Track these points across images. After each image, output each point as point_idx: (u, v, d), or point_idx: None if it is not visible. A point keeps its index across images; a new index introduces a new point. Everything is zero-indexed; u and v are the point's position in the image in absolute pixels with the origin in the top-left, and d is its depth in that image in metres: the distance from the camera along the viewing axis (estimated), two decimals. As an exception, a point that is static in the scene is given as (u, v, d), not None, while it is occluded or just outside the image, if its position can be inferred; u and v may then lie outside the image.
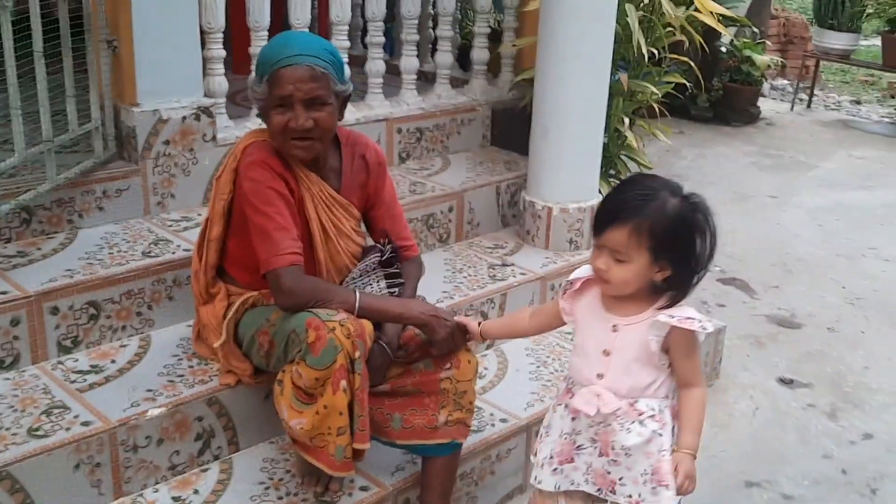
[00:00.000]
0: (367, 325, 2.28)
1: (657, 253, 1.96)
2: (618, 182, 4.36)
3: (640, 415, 2.04)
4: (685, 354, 2.06)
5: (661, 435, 2.04)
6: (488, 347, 3.33)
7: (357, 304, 2.33)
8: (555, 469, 2.13)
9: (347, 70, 2.49)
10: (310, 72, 2.30)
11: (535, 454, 2.20)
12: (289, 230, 2.32)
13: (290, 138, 2.33)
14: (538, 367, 3.24)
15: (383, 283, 2.55)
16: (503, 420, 2.90)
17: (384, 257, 2.56)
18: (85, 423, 2.34)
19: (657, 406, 2.06)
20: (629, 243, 1.95)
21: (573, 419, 2.12)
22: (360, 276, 2.53)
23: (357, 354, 2.21)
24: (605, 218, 1.99)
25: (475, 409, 2.57)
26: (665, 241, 1.95)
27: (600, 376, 2.07)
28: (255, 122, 3.40)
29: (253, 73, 2.50)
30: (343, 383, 2.19)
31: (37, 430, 2.31)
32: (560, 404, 2.17)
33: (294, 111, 2.30)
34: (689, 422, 2.07)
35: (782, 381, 3.75)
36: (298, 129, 2.31)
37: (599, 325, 2.08)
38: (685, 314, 2.01)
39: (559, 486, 2.14)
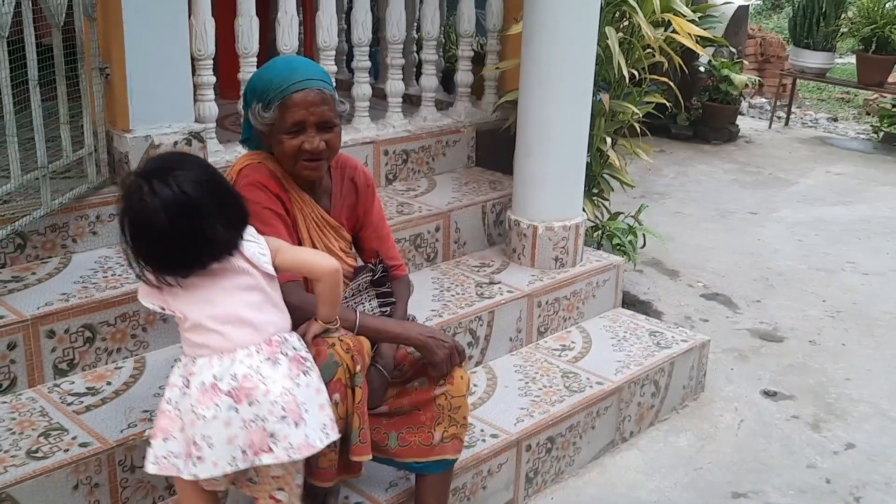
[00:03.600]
0: (365, 343, 2.34)
1: None
2: (602, 200, 4.44)
3: None
4: None
5: None
6: (477, 364, 3.39)
7: (357, 323, 2.38)
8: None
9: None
10: (320, 95, 2.35)
11: None
12: None
13: (301, 160, 2.39)
14: (527, 382, 3.29)
15: (375, 303, 2.60)
16: (493, 435, 2.95)
17: (375, 277, 2.61)
18: (83, 445, 2.38)
19: None
20: None
21: None
22: (353, 295, 2.58)
23: (357, 369, 2.26)
24: None
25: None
26: None
27: None
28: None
29: (242, 100, 2.55)
30: (336, 396, 2.23)
31: (35, 451, 2.34)
32: None
33: (307, 134, 2.36)
34: None
35: (766, 393, 3.82)
36: (313, 151, 2.37)
37: None
38: None
39: None
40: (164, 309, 2.08)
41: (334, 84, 2.48)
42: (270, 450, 2.00)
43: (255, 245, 2.12)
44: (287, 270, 2.22)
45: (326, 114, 2.37)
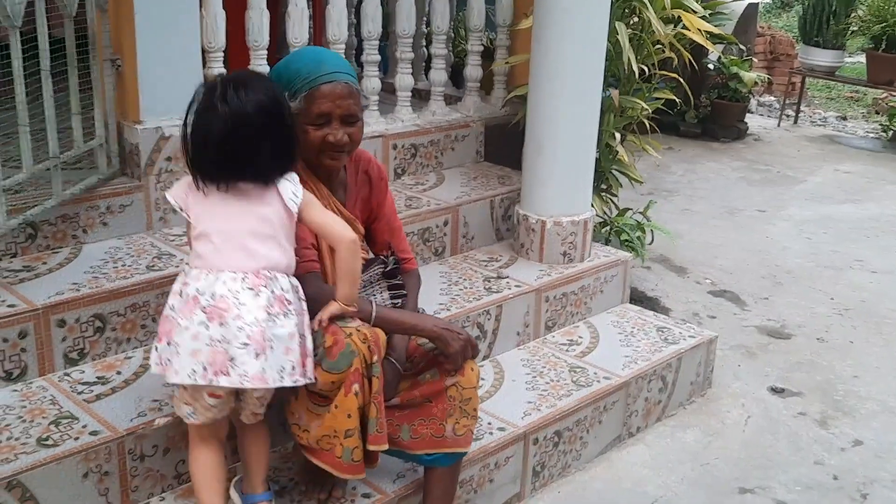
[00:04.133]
0: (381, 334, 2.35)
1: None
2: (610, 195, 4.44)
3: None
4: None
5: None
6: (484, 358, 3.39)
7: (373, 314, 2.39)
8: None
9: None
10: (347, 89, 2.37)
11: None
12: (304, 239, 2.38)
13: (325, 151, 2.40)
14: (534, 376, 3.30)
15: (387, 294, 2.61)
16: (501, 429, 2.95)
17: (387, 269, 2.62)
18: (93, 433, 2.39)
19: None
20: None
21: None
22: (364, 287, 2.58)
23: (374, 359, 2.27)
24: None
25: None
26: None
27: None
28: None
29: None
30: (355, 387, 2.24)
31: (46, 439, 2.35)
32: None
33: (331, 126, 2.37)
34: None
35: (773, 389, 3.81)
36: (337, 143, 2.39)
37: None
38: None
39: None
40: (182, 210, 2.20)
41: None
42: (228, 373, 2.10)
43: (290, 185, 2.23)
44: (309, 225, 2.29)
45: (352, 107, 2.39)
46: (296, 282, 2.24)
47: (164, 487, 2.52)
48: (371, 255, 2.70)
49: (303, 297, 2.24)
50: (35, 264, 2.88)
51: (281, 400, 2.38)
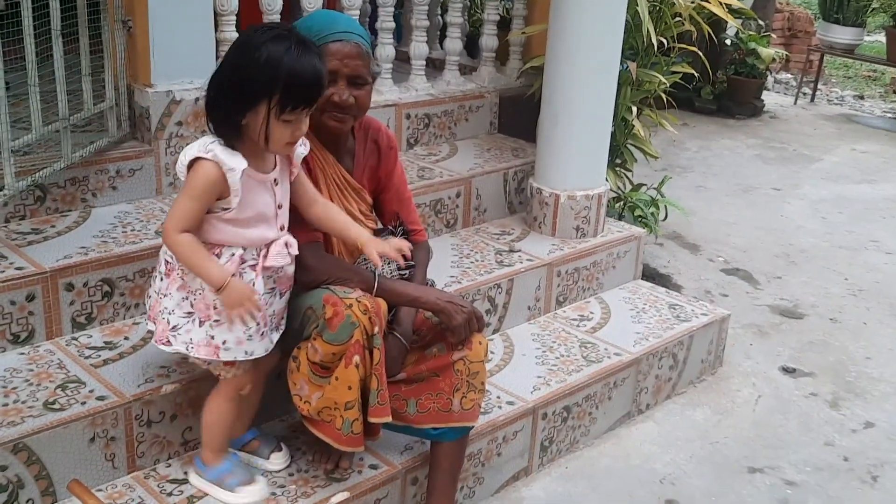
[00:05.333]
0: (382, 304, 2.31)
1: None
2: (625, 170, 4.39)
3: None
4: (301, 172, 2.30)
5: None
6: (495, 332, 3.36)
7: (376, 285, 2.36)
8: (262, 333, 2.25)
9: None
10: (357, 49, 2.34)
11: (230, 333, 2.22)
12: None
13: (329, 111, 2.36)
14: (544, 351, 3.27)
15: (394, 265, 2.58)
16: (510, 403, 2.93)
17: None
18: (100, 398, 2.37)
19: None
20: None
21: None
22: (372, 257, 2.55)
23: (375, 330, 2.24)
24: None
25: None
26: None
27: (283, 228, 2.26)
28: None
29: None
30: (356, 358, 2.22)
31: (52, 403, 2.34)
32: (238, 274, 2.19)
33: (337, 86, 2.33)
34: (348, 220, 2.38)
35: (785, 369, 3.78)
36: (341, 103, 2.35)
37: (262, 187, 2.19)
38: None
39: (267, 349, 2.29)
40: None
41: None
42: (170, 342, 2.21)
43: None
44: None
45: (360, 69, 2.35)
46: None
47: (170, 454, 2.50)
48: (379, 226, 2.67)
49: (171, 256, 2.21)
50: (44, 227, 2.86)
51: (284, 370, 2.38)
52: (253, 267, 2.20)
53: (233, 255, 2.18)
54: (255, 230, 2.19)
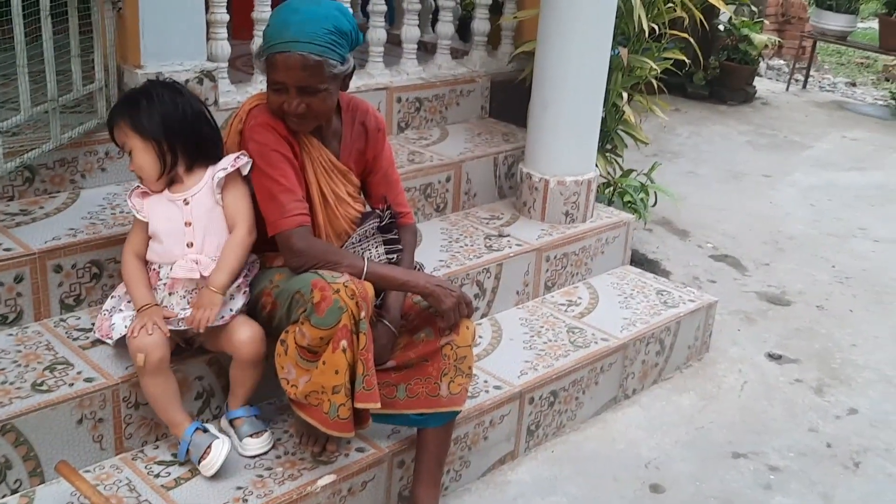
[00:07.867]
0: (370, 289, 2.32)
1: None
2: (615, 156, 4.40)
3: None
4: (232, 195, 2.42)
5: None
6: (483, 317, 3.38)
7: (364, 270, 2.37)
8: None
9: (360, 37, 2.48)
10: (302, 61, 2.29)
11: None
12: (294, 192, 2.36)
13: (286, 116, 2.39)
14: (532, 336, 3.29)
15: (382, 249, 2.59)
16: (497, 387, 2.95)
17: (383, 223, 2.59)
18: (88, 380, 2.38)
19: None
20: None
21: (170, 294, 2.42)
22: (360, 241, 2.56)
23: (362, 315, 2.25)
24: None
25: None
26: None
27: (190, 245, 2.41)
28: (256, 87, 3.42)
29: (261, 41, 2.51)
30: (343, 343, 2.23)
31: (41, 384, 2.35)
32: (155, 288, 2.44)
33: (289, 94, 2.34)
34: (222, 261, 2.39)
35: (771, 356, 3.81)
36: (290, 112, 2.36)
37: (172, 206, 2.41)
38: (230, 161, 2.39)
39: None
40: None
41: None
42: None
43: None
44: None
45: (307, 80, 2.32)
46: None
47: (157, 436, 2.51)
48: (367, 208, 2.67)
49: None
50: (32, 208, 2.85)
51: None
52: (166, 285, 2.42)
53: (153, 269, 2.45)
54: (160, 245, 2.42)
